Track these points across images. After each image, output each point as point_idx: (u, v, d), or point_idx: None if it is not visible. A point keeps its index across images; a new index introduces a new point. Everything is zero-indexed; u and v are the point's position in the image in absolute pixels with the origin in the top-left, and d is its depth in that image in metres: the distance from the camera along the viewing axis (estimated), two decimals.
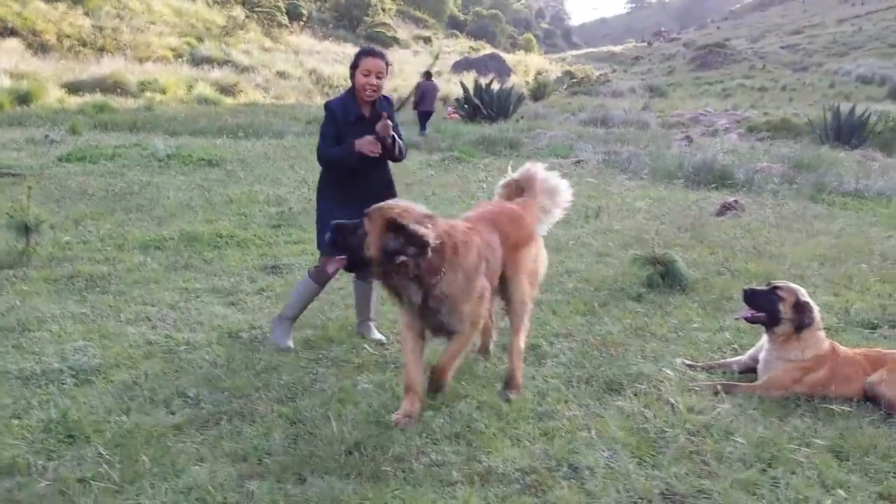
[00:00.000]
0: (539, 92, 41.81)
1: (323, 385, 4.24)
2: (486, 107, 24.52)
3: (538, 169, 4.98)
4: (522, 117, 26.09)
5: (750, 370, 4.51)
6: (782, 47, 56.79)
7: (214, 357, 4.61)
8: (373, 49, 4.96)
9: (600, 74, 59.35)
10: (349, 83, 4.82)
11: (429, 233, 3.54)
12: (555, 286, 6.32)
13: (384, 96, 4.85)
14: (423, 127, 20.69)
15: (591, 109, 29.90)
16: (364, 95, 4.72)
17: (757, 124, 26.16)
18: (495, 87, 26.62)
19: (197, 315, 5.41)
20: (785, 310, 4.32)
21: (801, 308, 4.32)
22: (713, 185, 11.94)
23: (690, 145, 18.50)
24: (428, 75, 22.14)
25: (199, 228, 7.98)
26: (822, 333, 4.36)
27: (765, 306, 4.39)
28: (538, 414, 3.92)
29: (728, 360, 4.70)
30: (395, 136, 4.74)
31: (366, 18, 65.24)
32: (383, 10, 69.09)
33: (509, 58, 62.95)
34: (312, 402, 3.99)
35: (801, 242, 8.14)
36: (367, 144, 4.57)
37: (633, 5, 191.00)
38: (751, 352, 4.59)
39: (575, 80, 54.95)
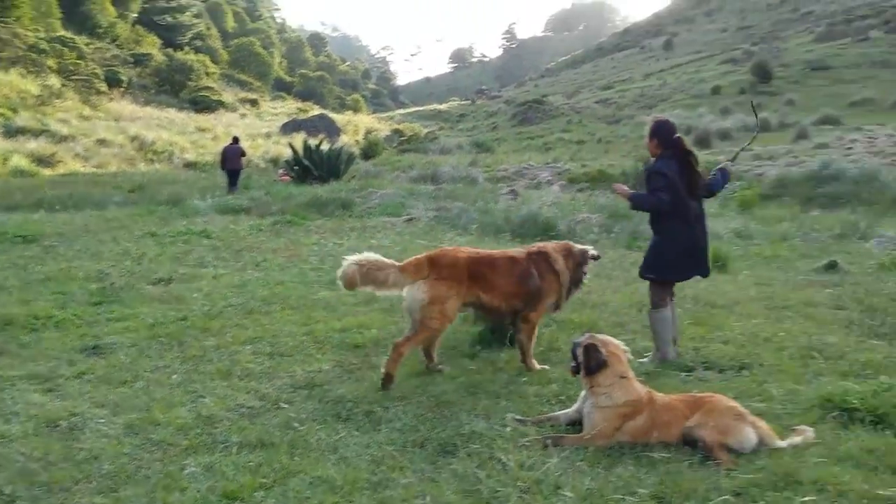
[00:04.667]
0: (370, 150, 42.22)
1: (147, 472, 4.03)
2: (316, 167, 24.41)
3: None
4: (354, 177, 26.17)
5: (577, 422, 4.64)
6: (596, 102, 60.36)
7: (31, 449, 4.30)
8: None
9: (428, 132, 60.79)
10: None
11: None
12: (388, 348, 6.28)
13: None
14: (232, 184, 22.85)
15: (421, 166, 30.44)
16: None
17: (576, 176, 27.46)
18: (325, 147, 26.59)
19: (12, 405, 5.05)
20: (580, 355, 4.54)
21: (587, 351, 4.54)
22: (538, 238, 12.37)
23: (516, 199, 19.16)
24: (235, 140, 24.82)
25: (14, 311, 7.44)
26: (630, 379, 4.57)
27: (574, 356, 4.61)
28: (372, 484, 3.87)
29: (556, 413, 4.82)
30: None
31: (189, 83, 63.84)
32: (207, 73, 67.90)
33: (338, 118, 63.41)
34: (136, 491, 3.80)
35: (620, 290, 8.55)
36: None
37: (456, 65, 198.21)
38: (577, 404, 4.73)
39: (404, 138, 55.98)
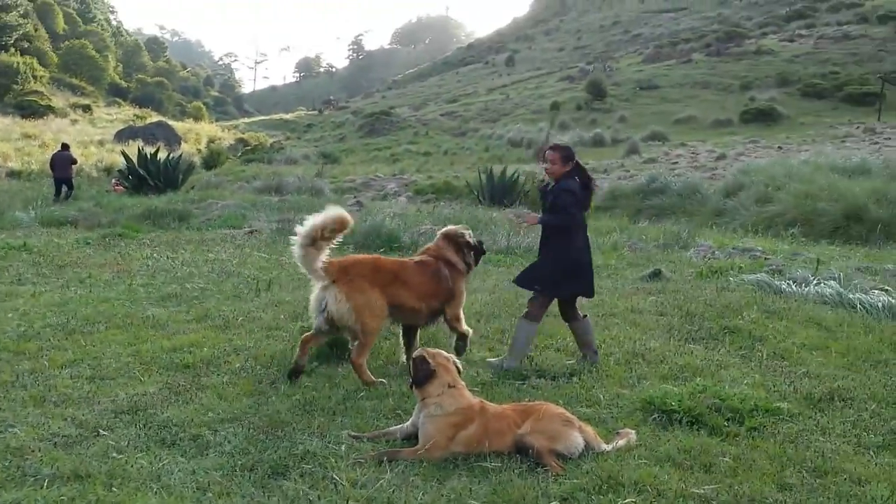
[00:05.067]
0: (211, 160, 40.97)
1: None
2: (152, 178, 23.39)
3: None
4: (193, 187, 25.29)
5: (413, 435, 4.65)
6: (442, 114, 61.32)
7: None
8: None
9: (274, 142, 59.69)
10: None
11: None
12: (221, 367, 6.11)
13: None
14: (58, 193, 22.79)
15: (265, 177, 29.82)
16: None
17: (423, 187, 27.81)
18: (162, 156, 25.53)
19: None
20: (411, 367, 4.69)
21: (415, 363, 4.67)
22: (381, 249, 12.37)
23: (361, 210, 19.12)
24: (65, 146, 24.58)
25: None
26: (460, 388, 4.64)
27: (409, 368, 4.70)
28: None
29: (392, 428, 4.81)
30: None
31: (14, 86, 59.66)
32: (35, 77, 63.65)
33: (179, 125, 61.03)
34: None
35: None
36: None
37: (303, 74, 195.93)
38: (412, 417, 4.74)
39: (249, 148, 54.70)
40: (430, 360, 4.64)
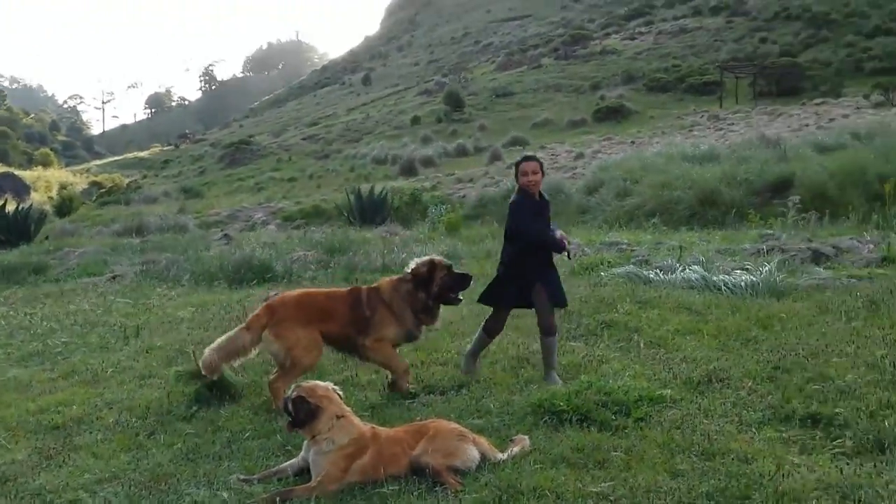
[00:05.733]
0: (64, 207, 38.91)
1: None
2: (2, 232, 22.01)
3: None
4: (48, 237, 23.92)
5: (306, 469, 4.50)
6: (303, 138, 60.54)
7: None
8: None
9: (131, 181, 57.33)
10: None
11: None
12: (93, 424, 5.75)
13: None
14: None
15: (124, 219, 28.58)
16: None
17: (291, 213, 27.38)
18: (10, 208, 24.09)
19: None
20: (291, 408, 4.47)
21: (294, 404, 4.47)
22: (254, 282, 12.05)
23: (230, 243, 18.59)
24: None
25: None
26: (349, 417, 4.52)
27: (287, 412, 4.50)
28: None
29: (282, 465, 4.64)
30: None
31: None
32: None
33: (27, 174, 58.01)
34: None
35: None
36: None
37: (154, 110, 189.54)
38: (303, 451, 4.59)
39: (104, 190, 52.32)
40: (310, 398, 4.48)
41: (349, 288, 6.41)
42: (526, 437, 4.75)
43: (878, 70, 45.59)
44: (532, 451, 4.59)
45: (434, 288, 6.00)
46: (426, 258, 6.28)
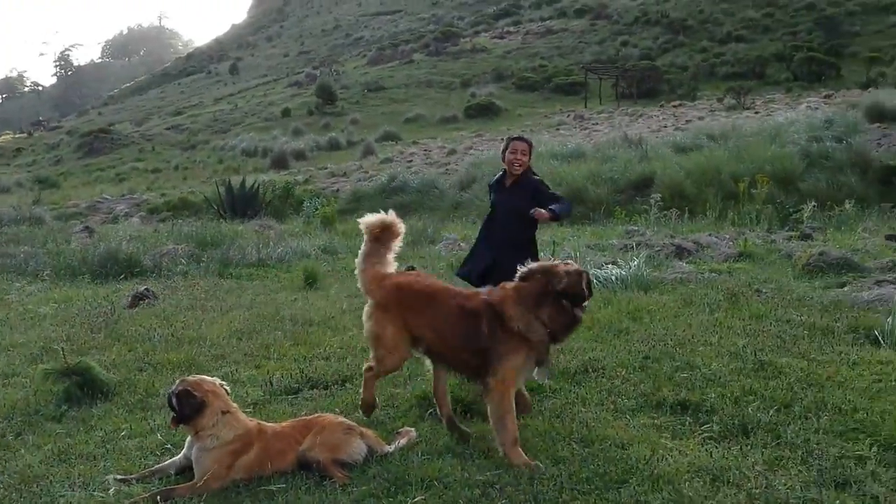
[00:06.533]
0: None
1: None
2: None
3: None
4: None
5: (188, 467, 4.40)
6: (167, 128, 58.38)
7: None
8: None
9: None
10: None
11: None
12: None
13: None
14: None
15: None
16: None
17: (157, 206, 26.36)
18: None
19: None
20: (176, 404, 4.34)
21: (179, 398, 4.33)
22: (122, 276, 11.57)
23: (92, 236, 17.74)
24: None
25: None
26: (234, 413, 4.45)
27: (171, 406, 4.37)
28: None
29: (163, 464, 4.52)
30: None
31: None
32: None
33: None
34: None
35: (217, 320, 8.31)
36: None
37: (5, 96, 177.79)
38: (185, 449, 4.48)
39: None
40: (196, 391, 4.37)
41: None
42: (412, 429, 4.82)
43: (730, 74, 48.65)
44: (418, 442, 4.67)
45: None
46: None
